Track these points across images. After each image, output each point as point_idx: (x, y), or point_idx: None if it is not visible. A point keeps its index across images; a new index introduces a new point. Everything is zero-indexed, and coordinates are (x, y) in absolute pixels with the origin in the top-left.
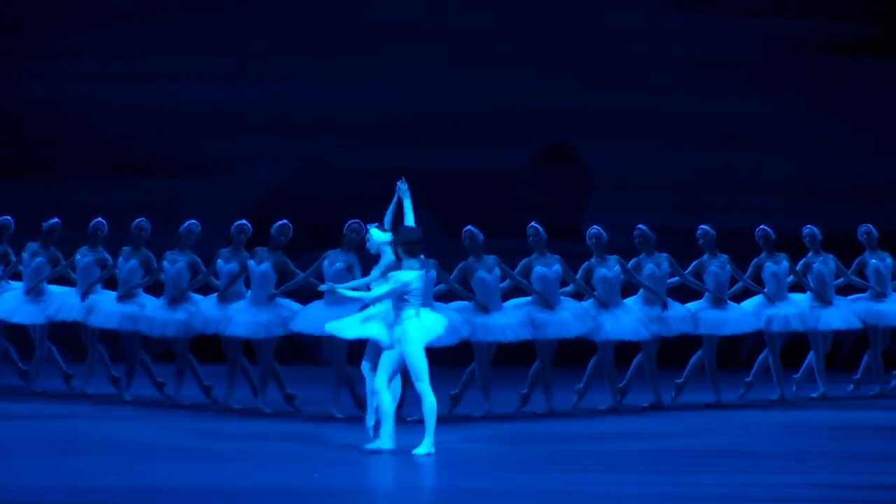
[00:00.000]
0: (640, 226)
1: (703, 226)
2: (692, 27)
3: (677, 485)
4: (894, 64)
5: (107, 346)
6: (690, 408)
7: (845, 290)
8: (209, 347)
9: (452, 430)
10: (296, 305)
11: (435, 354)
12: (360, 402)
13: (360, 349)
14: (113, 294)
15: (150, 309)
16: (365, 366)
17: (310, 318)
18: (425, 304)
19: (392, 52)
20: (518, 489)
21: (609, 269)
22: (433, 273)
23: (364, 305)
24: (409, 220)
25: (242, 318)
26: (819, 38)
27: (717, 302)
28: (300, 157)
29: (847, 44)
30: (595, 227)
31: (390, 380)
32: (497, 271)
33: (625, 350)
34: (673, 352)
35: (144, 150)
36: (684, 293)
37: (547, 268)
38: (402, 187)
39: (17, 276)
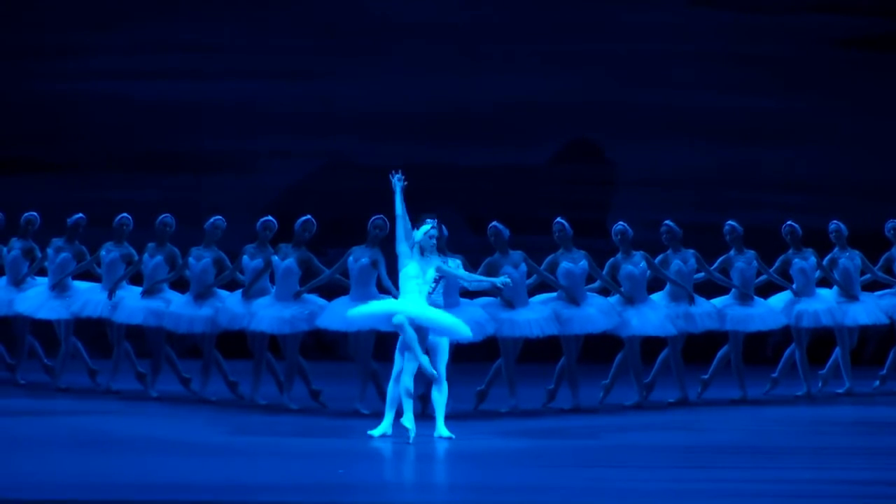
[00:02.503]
0: (666, 221)
1: (730, 221)
2: (716, 23)
3: (703, 480)
4: None
5: (133, 343)
6: (716, 404)
7: (872, 287)
8: (235, 343)
9: (478, 425)
10: (321, 301)
11: (462, 350)
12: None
13: (385, 345)
14: (138, 290)
15: (176, 305)
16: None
17: (335, 315)
18: (451, 299)
19: (415, 48)
20: (544, 485)
21: (635, 265)
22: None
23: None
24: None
25: (267, 313)
26: (845, 34)
27: (744, 298)
28: (324, 154)
29: (873, 40)
30: (621, 223)
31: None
32: (523, 267)
33: (651, 346)
34: (699, 348)
35: (169, 146)
36: (711, 289)
37: (573, 264)
38: (398, 180)
39: (42, 272)
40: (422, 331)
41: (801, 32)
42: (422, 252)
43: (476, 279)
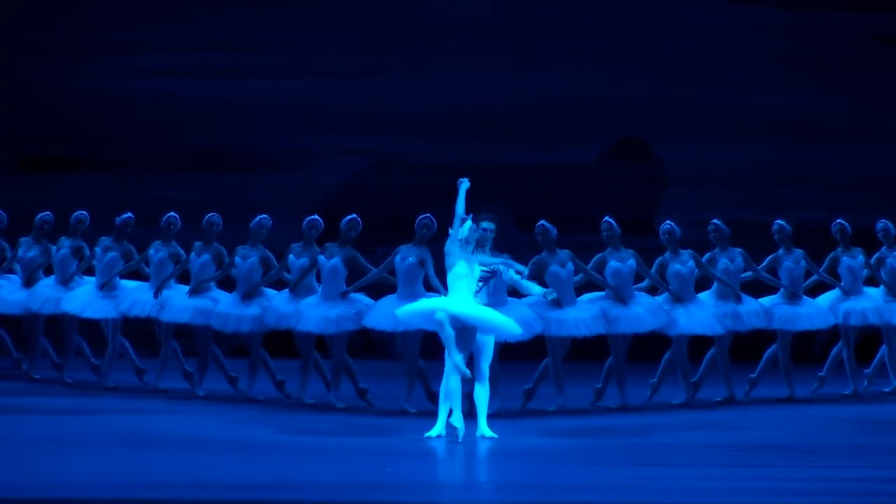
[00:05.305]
0: (714, 220)
1: (778, 220)
2: (763, 22)
3: (750, 479)
4: None
5: (180, 342)
6: (764, 402)
7: None
8: (282, 342)
9: (526, 424)
10: (368, 300)
11: (509, 349)
12: (433, 397)
13: (432, 344)
14: (185, 288)
15: (223, 304)
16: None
17: (382, 314)
18: (498, 298)
19: (463, 46)
20: (591, 483)
21: (683, 263)
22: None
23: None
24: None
25: (314, 313)
26: (891, 33)
27: (792, 297)
28: (371, 152)
29: None
30: (668, 222)
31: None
32: (570, 266)
33: (698, 344)
34: (746, 346)
35: (216, 144)
36: (759, 288)
37: (621, 262)
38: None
39: (90, 272)
40: (468, 330)
41: (846, 31)
42: (478, 246)
43: (515, 271)
